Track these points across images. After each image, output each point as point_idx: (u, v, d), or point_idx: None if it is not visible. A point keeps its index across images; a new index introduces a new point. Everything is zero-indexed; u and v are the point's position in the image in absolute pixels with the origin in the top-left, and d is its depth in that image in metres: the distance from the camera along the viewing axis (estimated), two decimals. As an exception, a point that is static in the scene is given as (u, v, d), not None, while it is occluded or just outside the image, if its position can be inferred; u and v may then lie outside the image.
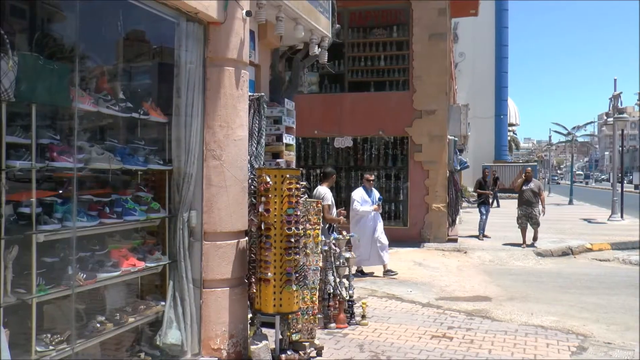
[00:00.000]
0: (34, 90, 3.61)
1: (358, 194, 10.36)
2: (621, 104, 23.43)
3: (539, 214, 14.63)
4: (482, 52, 45.48)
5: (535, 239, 14.58)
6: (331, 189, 9.09)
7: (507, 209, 28.32)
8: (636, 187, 54.74)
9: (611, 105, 24.82)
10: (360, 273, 10.45)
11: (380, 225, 10.48)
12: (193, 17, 4.98)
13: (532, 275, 11.08)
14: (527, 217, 14.51)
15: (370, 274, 10.59)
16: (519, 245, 14.36)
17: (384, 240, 10.40)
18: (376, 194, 10.55)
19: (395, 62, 15.38)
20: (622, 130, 23.73)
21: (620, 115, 22.66)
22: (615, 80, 24.45)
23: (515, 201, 15.61)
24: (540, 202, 14.68)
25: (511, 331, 6.94)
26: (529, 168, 16.04)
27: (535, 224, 14.53)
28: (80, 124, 4.18)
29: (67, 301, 3.97)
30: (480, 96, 44.49)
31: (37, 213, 3.67)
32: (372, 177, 10.68)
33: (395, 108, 14.79)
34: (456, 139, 17.72)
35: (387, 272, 10.44)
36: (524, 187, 14.63)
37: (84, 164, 4.13)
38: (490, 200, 17.24)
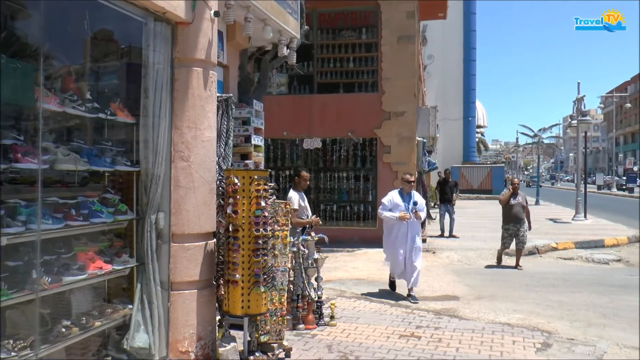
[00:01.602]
0: (-4, 89, 3.54)
1: (388, 196, 8.95)
2: (584, 107, 23.87)
3: (526, 232, 12.24)
4: (451, 55, 46.07)
5: (518, 262, 12.09)
6: (306, 191, 8.50)
7: (475, 209, 28.70)
8: (599, 187, 55.95)
9: (575, 108, 25.33)
10: (390, 286, 9.32)
11: (416, 239, 8.82)
12: (161, 16, 4.94)
13: (500, 275, 11.25)
14: (514, 236, 12.05)
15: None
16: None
17: (416, 259, 8.77)
18: (417, 198, 8.86)
19: (364, 64, 15.46)
20: (586, 133, 24.16)
21: (584, 118, 23.09)
22: (578, 83, 24.99)
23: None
24: (526, 217, 12.20)
25: (478, 329, 7.03)
26: (516, 179, 13.79)
27: (522, 244, 12.10)
28: (46, 124, 4.11)
29: (31, 306, 3.89)
30: (449, 98, 45.08)
31: (0, 215, 3.60)
32: (412, 178, 9.03)
33: (365, 110, 14.86)
34: (425, 140, 17.91)
35: (410, 297, 8.74)
36: (512, 201, 12.07)
37: (49, 165, 4.06)
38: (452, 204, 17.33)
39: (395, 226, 8.76)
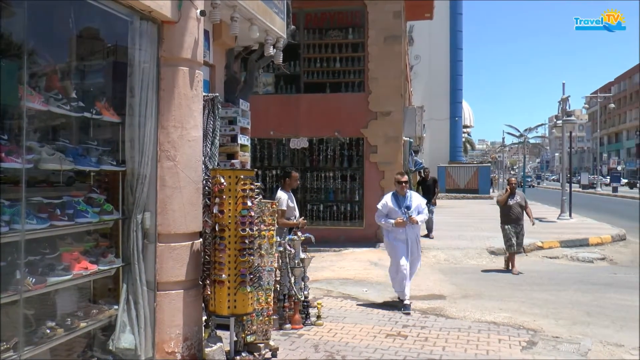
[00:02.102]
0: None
1: (382, 201, 8.35)
2: (569, 107, 24.10)
3: (524, 233, 11.95)
4: (437, 55, 46.28)
5: (513, 265, 11.64)
6: (294, 191, 8.37)
7: (462, 209, 28.83)
8: (584, 187, 56.46)
9: (560, 108, 25.54)
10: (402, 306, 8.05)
11: (415, 248, 8.30)
12: (147, 15, 4.92)
13: (486, 274, 11.31)
14: (515, 236, 11.64)
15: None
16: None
17: (412, 269, 8.35)
18: (414, 200, 8.24)
19: (351, 64, 15.46)
20: (571, 133, 24.40)
21: (569, 118, 23.31)
22: (563, 84, 25.20)
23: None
24: (528, 215, 11.96)
25: (465, 328, 7.07)
26: (513, 178, 13.13)
27: (520, 245, 11.89)
28: (30, 123, 4.08)
29: (15, 307, 3.84)
30: (436, 98, 45.28)
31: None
32: (404, 178, 8.33)
33: (351, 109, 14.87)
34: (411, 140, 17.95)
35: (404, 307, 7.96)
36: (510, 202, 11.75)
37: (33, 165, 4.03)
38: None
39: (392, 234, 8.18)
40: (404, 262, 8.06)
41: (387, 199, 8.24)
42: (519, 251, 11.83)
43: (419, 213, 8.20)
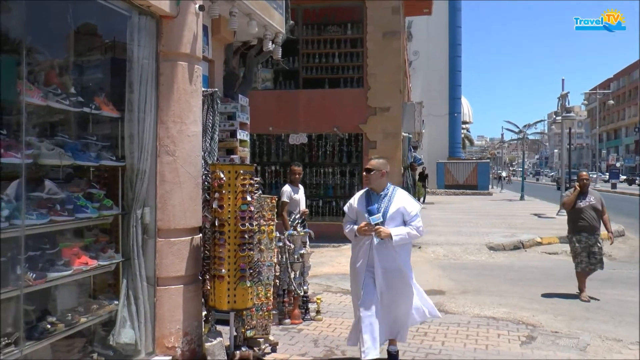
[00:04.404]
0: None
1: (351, 200, 5.51)
2: (569, 104, 24.11)
3: (602, 246, 8.83)
4: (436, 51, 46.17)
5: (583, 286, 8.77)
6: (304, 184, 8.59)
7: (461, 205, 28.84)
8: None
9: (559, 105, 25.54)
10: None
11: (393, 284, 5.20)
12: (145, 10, 4.91)
13: (485, 269, 11.33)
14: (588, 252, 8.64)
15: None
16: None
17: (396, 304, 5.26)
18: (395, 202, 5.23)
19: (350, 60, 15.45)
20: (570, 129, 24.41)
21: (568, 114, 23.30)
22: (563, 80, 25.19)
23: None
24: (604, 225, 8.77)
25: (464, 323, 7.08)
26: (584, 172, 9.68)
27: (599, 264, 8.67)
28: (29, 118, 4.07)
29: (15, 302, 3.85)
30: (435, 94, 45.21)
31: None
32: (374, 164, 5.32)
33: (350, 105, 14.87)
34: (410, 136, 17.97)
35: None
36: (580, 203, 8.69)
37: (32, 160, 4.03)
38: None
39: (354, 251, 5.37)
40: (365, 308, 5.10)
41: (355, 198, 5.46)
42: (592, 270, 8.74)
43: (399, 224, 5.17)
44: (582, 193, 8.73)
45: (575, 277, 8.90)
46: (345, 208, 5.49)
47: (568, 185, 22.74)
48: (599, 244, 8.62)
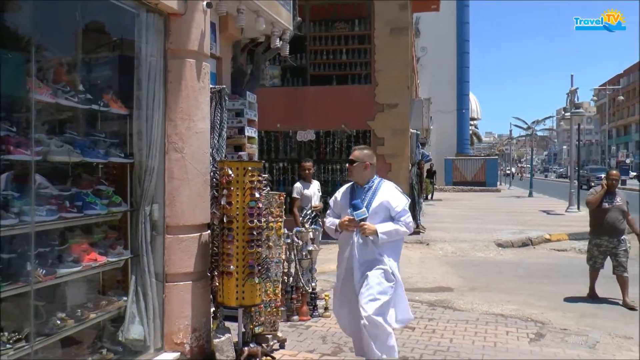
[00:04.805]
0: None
1: (336, 194, 5.21)
2: (578, 100, 23.97)
3: (628, 250, 8.26)
4: (444, 47, 45.98)
5: (626, 295, 8.03)
6: (321, 181, 8.75)
7: (469, 201, 28.77)
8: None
9: (568, 101, 25.40)
10: None
11: (372, 277, 4.63)
12: (153, 8, 4.92)
13: (493, 266, 11.30)
14: (609, 254, 8.22)
15: None
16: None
17: (374, 318, 4.54)
18: (379, 196, 4.80)
19: (357, 56, 15.44)
20: (579, 125, 24.27)
21: (577, 111, 23.18)
22: (572, 76, 25.03)
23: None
24: (630, 227, 8.26)
25: (472, 320, 7.07)
26: (614, 170, 8.85)
27: (622, 268, 8.07)
28: (38, 115, 4.09)
29: (25, 298, 3.88)
30: (442, 90, 45.02)
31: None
32: (357, 155, 4.90)
33: (358, 102, 14.86)
34: (418, 132, 17.89)
35: None
36: (606, 204, 8.16)
37: (42, 157, 4.05)
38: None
39: (342, 247, 5.00)
40: (349, 297, 4.88)
41: (340, 191, 5.13)
42: (621, 274, 8.10)
43: (383, 220, 4.73)
44: (609, 193, 8.21)
45: (588, 276, 8.64)
46: (331, 202, 5.21)
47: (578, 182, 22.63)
48: (623, 247, 8.11)
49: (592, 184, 11.28)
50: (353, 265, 4.72)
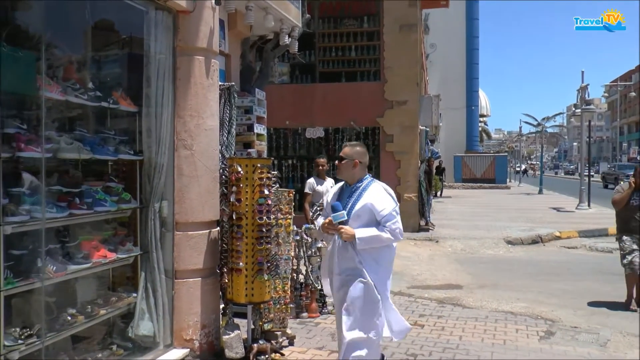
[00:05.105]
0: (-2, 78, 3.54)
1: (327, 193, 5.27)
2: (588, 96, 23.90)
3: None
4: (453, 44, 45.82)
5: (630, 293, 7.64)
6: (335, 178, 8.49)
7: (478, 198, 28.68)
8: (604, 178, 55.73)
9: (579, 97, 25.26)
10: None
11: (355, 286, 4.19)
12: (162, 5, 4.93)
13: (503, 263, 11.26)
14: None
15: None
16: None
17: (346, 324, 4.20)
18: (365, 198, 4.29)
19: (366, 53, 15.43)
20: (589, 122, 24.17)
21: (587, 107, 23.08)
22: (582, 72, 24.88)
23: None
24: None
25: (481, 318, 7.04)
26: None
27: None
28: (48, 113, 4.11)
29: (36, 294, 3.91)
30: (452, 87, 44.88)
31: (4, 204, 3.61)
32: (346, 152, 4.49)
33: (367, 99, 14.84)
34: (427, 129, 17.86)
35: None
36: (634, 202, 7.58)
37: (52, 154, 4.07)
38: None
39: (329, 248, 4.54)
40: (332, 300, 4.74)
41: (332, 190, 4.78)
42: None
43: (367, 224, 4.24)
44: (637, 190, 7.57)
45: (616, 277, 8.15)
46: (324, 200, 5.02)
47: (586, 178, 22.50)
48: None
49: (621, 182, 10.50)
50: (333, 270, 4.38)
